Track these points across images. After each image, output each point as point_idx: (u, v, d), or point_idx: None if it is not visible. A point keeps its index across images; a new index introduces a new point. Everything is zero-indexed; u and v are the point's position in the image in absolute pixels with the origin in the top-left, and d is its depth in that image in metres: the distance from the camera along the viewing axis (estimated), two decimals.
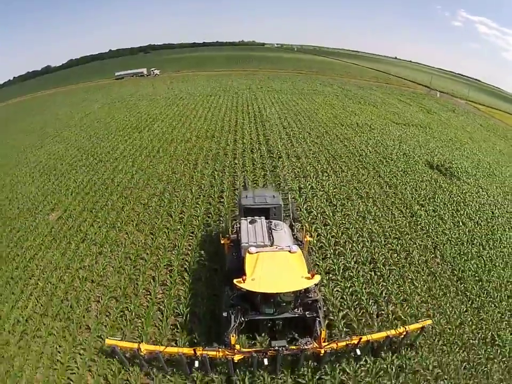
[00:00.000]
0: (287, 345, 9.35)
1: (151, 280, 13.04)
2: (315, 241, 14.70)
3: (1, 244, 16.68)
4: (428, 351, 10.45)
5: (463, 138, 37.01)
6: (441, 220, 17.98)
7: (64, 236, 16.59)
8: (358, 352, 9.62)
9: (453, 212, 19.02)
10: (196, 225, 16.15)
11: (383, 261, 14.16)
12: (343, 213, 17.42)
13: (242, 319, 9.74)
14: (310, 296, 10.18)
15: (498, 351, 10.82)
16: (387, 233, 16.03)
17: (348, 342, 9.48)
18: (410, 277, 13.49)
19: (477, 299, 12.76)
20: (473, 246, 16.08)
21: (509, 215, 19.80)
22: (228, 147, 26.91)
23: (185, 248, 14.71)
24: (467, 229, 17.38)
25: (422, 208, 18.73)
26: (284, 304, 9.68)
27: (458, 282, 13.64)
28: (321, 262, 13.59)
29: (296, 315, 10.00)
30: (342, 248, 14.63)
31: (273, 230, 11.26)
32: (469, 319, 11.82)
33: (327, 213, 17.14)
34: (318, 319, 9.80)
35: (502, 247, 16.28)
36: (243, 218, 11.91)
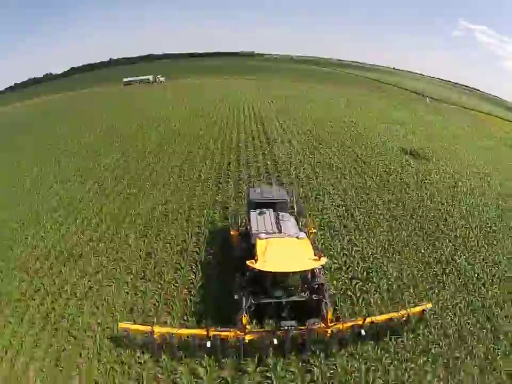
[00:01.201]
0: (296, 325, 9.85)
1: (178, 215, 18.02)
2: (301, 193, 19.70)
3: (42, 200, 21.44)
4: (387, 261, 14.59)
5: (444, 135, 41.88)
6: (406, 185, 22.89)
7: (103, 193, 21.47)
8: (363, 332, 10.10)
9: (417, 180, 23.93)
10: (211, 183, 21.44)
11: (353, 205, 19.13)
12: (323, 177, 22.63)
13: (253, 301, 10.22)
14: (316, 280, 10.85)
15: (453, 269, 14.28)
16: (358, 190, 21.10)
17: (353, 323, 10.13)
18: (374, 217, 18.31)
19: (432, 234, 17.04)
20: (432, 202, 20.73)
21: (473, 186, 24.40)
22: (232, 135, 32.21)
23: (203, 198, 19.77)
24: (429, 192, 22.14)
25: (390, 177, 23.74)
26: (292, 288, 10.30)
27: (416, 223, 18.06)
28: (304, 204, 18.51)
29: (303, 298, 10.51)
30: (321, 197, 19.71)
31: (280, 220, 12.28)
32: (425, 246, 15.98)
33: (311, 177, 22.44)
34: (324, 300, 10.34)
35: (460, 206, 20.73)
36: (252, 210, 12.96)
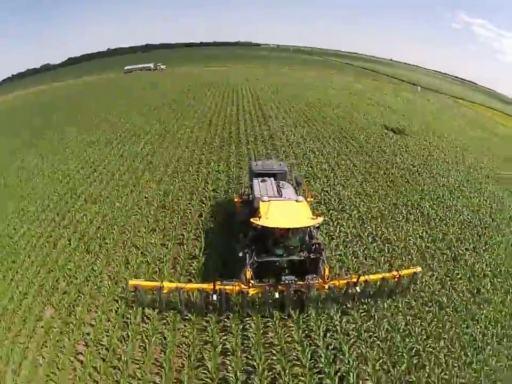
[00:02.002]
0: (296, 279, 10.57)
1: (189, 167, 22.06)
2: (290, 153, 23.70)
3: (66, 162, 25.09)
4: (359, 201, 18.34)
5: (427, 118, 45.57)
6: (383, 151, 26.80)
7: (121, 156, 25.15)
8: (358, 289, 10.86)
9: (394, 149, 27.80)
10: (215, 145, 25.67)
11: (334, 163, 23.16)
12: (310, 143, 26.66)
13: (255, 259, 10.92)
14: (313, 240, 11.64)
15: (417, 211, 17.84)
16: (339, 153, 25.19)
17: (348, 280, 10.87)
18: (352, 172, 22.22)
19: (401, 187, 20.73)
20: (405, 165, 24.54)
21: (446, 156, 28.40)
22: (232, 112, 36.07)
23: (209, 155, 23.93)
24: (404, 158, 26.03)
25: (369, 145, 27.67)
26: (292, 247, 10.99)
27: (388, 178, 21.90)
28: (294, 161, 22.54)
29: (302, 257, 11.18)
30: (307, 156, 23.81)
31: (281, 187, 13.32)
32: (394, 193, 19.67)
33: (300, 142, 26.45)
34: (321, 258, 11.10)
35: (431, 169, 24.57)
36: (254, 178, 13.95)
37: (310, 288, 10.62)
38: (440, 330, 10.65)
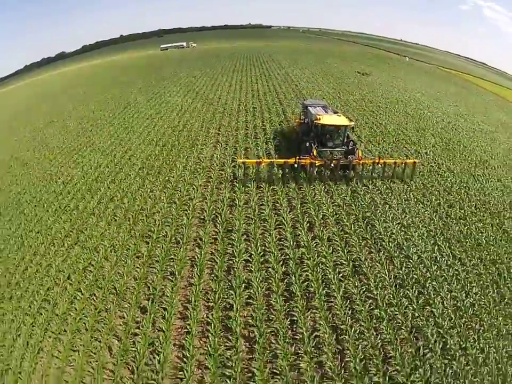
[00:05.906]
0: (343, 156, 18.98)
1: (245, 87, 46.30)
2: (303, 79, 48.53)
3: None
4: (334, 89, 42.85)
5: (398, 74, 66.84)
6: (349, 79, 50.93)
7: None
8: (380, 166, 18.62)
9: (357, 79, 51.94)
10: (253, 81, 50.34)
11: (321, 81, 47.75)
12: (307, 75, 51.50)
13: (316, 148, 18.64)
14: (349, 139, 20.39)
15: (361, 99, 42.37)
16: (323, 79, 49.74)
17: (373, 160, 18.74)
18: (329, 84, 46.45)
19: (353, 90, 45.07)
20: (364, 87, 48.10)
21: (402, 88, 50.65)
22: (262, 65, 60.91)
23: (253, 88, 48.14)
24: (361, 82, 49.77)
25: (342, 78, 51.87)
26: (337, 143, 19.64)
27: (347, 86, 46.01)
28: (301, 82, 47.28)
29: (344, 148, 19.73)
30: (307, 77, 48.51)
31: (327, 110, 21.78)
32: (347, 91, 44.29)
33: (305, 79, 50.77)
34: (356, 147, 19.64)
35: (376, 89, 47.72)
36: (308, 106, 22.75)
37: (350, 162, 18.37)
38: None
